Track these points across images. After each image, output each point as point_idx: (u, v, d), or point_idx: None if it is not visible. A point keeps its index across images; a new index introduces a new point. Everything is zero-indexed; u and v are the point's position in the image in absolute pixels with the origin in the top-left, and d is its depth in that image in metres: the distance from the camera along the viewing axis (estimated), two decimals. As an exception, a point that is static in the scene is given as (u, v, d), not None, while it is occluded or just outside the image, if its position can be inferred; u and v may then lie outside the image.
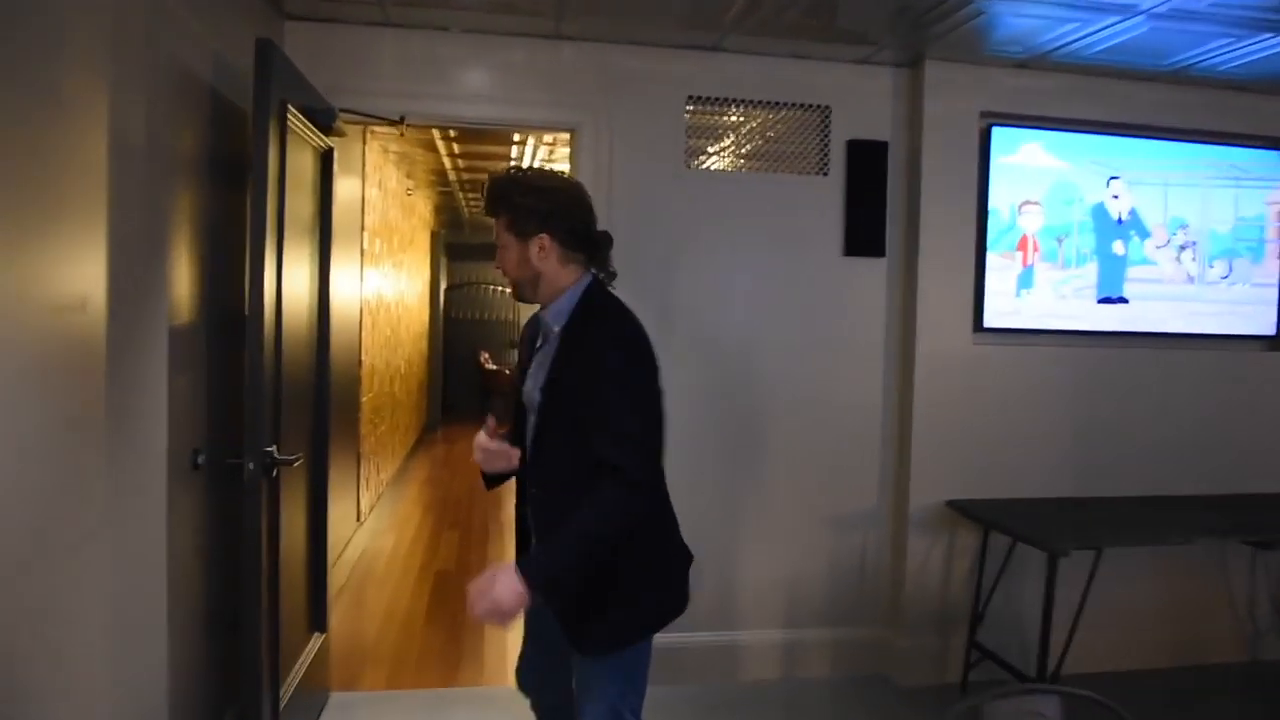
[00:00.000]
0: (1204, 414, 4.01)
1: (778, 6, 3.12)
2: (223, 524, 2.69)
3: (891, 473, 3.86)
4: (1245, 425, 4.05)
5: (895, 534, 3.86)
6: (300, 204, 2.88)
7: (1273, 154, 4.09)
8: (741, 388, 3.74)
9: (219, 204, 2.67)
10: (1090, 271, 3.93)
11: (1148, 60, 3.62)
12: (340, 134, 3.18)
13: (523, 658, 2.21)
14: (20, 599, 1.65)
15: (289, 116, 2.63)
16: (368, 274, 5.84)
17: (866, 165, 3.75)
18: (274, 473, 2.55)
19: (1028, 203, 3.84)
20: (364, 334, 5.76)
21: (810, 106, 3.76)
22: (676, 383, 3.70)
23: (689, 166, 3.69)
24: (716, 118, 3.74)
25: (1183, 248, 4.04)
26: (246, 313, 2.43)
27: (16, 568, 1.74)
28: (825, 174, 3.77)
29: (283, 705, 2.72)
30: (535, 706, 2.25)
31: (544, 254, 1.90)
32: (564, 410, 1.90)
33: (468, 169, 6.98)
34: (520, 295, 2.00)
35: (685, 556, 2.07)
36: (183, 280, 2.40)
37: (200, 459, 2.48)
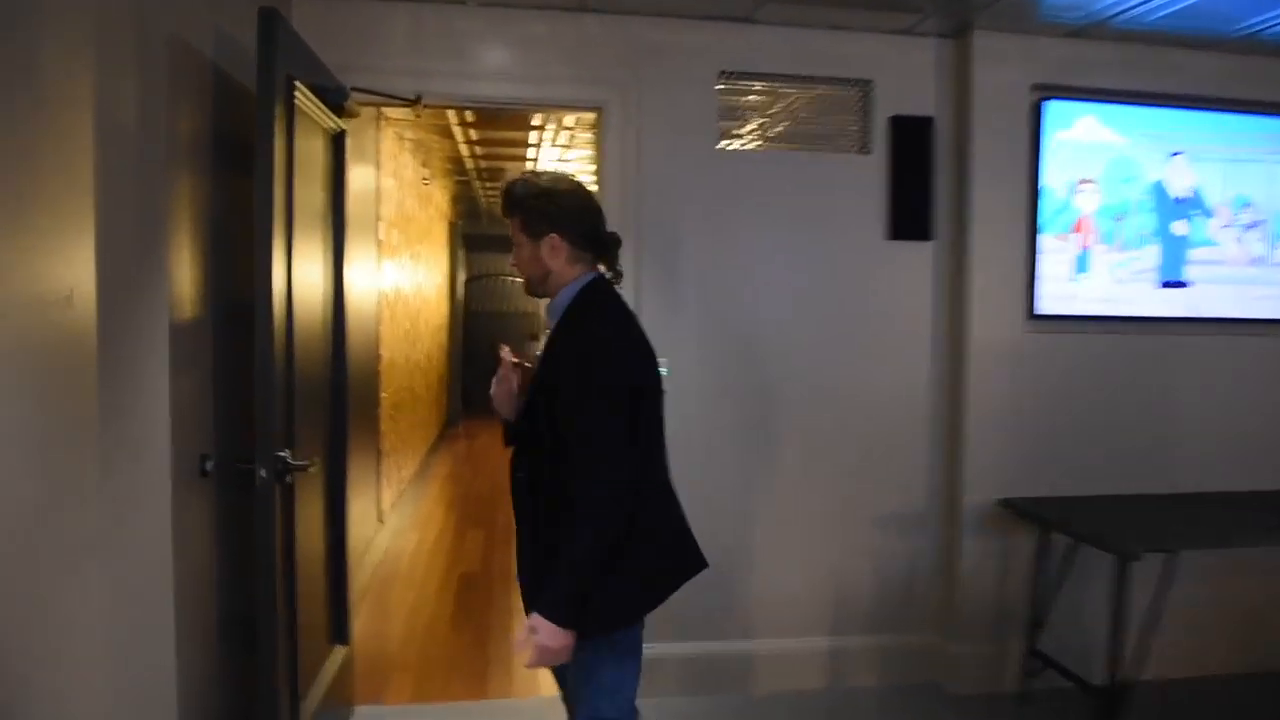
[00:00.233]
0: (1274, 404, 3.76)
1: (819, -29, 2.91)
2: (235, 533, 2.51)
3: (941, 470, 3.64)
4: (1318, 415, 3.80)
5: (946, 535, 3.64)
6: (311, 189, 2.70)
7: (1346, 125, 3.83)
8: (779, 381, 3.53)
9: (226, 191, 2.49)
10: (1150, 254, 3.69)
11: (1214, 26, 3.38)
12: (353, 114, 2.99)
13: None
14: (11, 623, 1.48)
15: (297, 94, 2.44)
16: (385, 266, 5.66)
17: (911, 143, 3.53)
18: (288, 479, 2.36)
19: (1083, 181, 3.60)
20: (382, 328, 5.59)
21: (850, 81, 3.53)
22: (709, 377, 3.54)
23: (721, 146, 3.48)
24: (750, 94, 3.52)
25: (1248, 227, 3.79)
26: (255, 307, 2.24)
27: (3, 590, 1.56)
28: (867, 152, 3.54)
29: (302, 725, 2.55)
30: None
31: (554, 252, 2.00)
32: (543, 405, 1.97)
33: (485, 156, 6.78)
34: (531, 290, 2.10)
35: (680, 546, 2.04)
36: (185, 273, 2.22)
37: (208, 465, 2.30)
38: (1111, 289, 3.66)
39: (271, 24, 2.22)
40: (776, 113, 3.59)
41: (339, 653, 3.04)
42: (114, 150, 1.81)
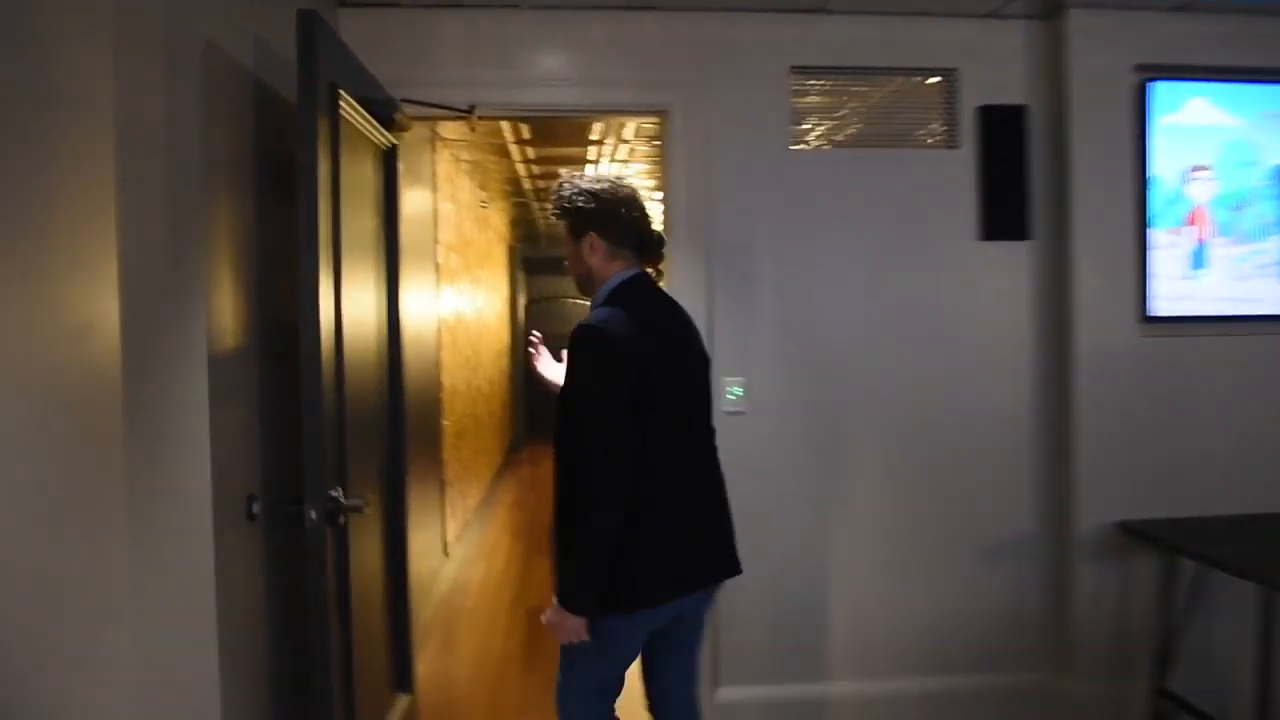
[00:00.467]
0: None
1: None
2: (288, 578, 2.33)
3: (1049, 491, 3.32)
4: None
5: (1057, 562, 3.31)
6: (361, 209, 2.53)
7: None
8: (864, 399, 3.26)
9: (271, 212, 2.33)
10: (1275, 245, 3.33)
11: (1342, -11, 3.04)
12: (404, 128, 2.82)
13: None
14: (40, 691, 1.31)
15: (342, 106, 2.28)
16: (444, 291, 5.53)
17: (1003, 134, 3.24)
18: (340, 520, 2.18)
19: (1197, 168, 3.27)
20: (443, 354, 5.45)
21: (932, 70, 3.27)
22: (787, 395, 3.28)
23: (794, 147, 3.23)
24: (824, 90, 3.27)
25: (1385, 212, 3.40)
26: (300, 334, 2.07)
27: (29, 660, 1.40)
28: (954, 146, 3.26)
29: (361, 785, 2.35)
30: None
31: (593, 251, 2.07)
32: (562, 401, 2.07)
33: (542, 175, 6.63)
34: (581, 289, 2.16)
35: (679, 542, 2.03)
36: (226, 300, 2.05)
37: (255, 507, 2.13)
38: (1232, 286, 3.31)
39: (311, 28, 2.05)
40: (853, 109, 3.34)
41: (402, 701, 2.84)
42: (139, 166, 1.64)
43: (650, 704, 2.28)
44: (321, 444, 2.06)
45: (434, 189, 5.27)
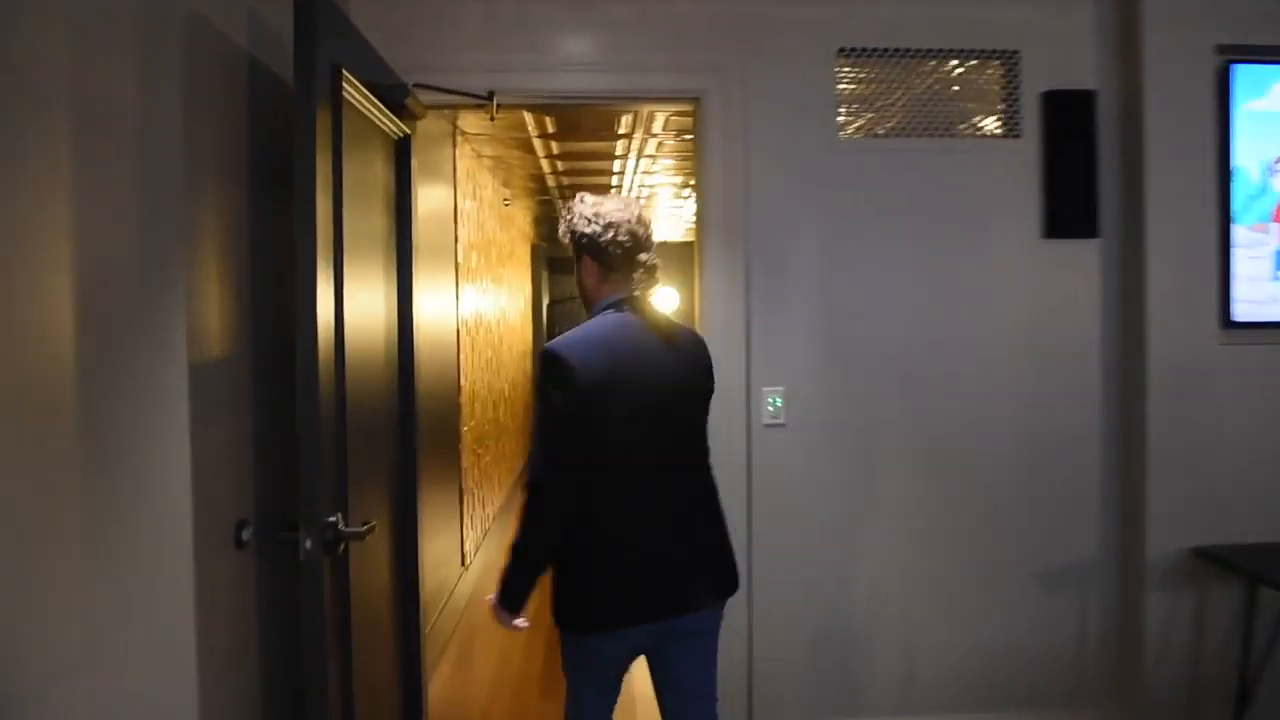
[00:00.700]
0: None
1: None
2: (286, 609, 2.12)
3: (1117, 513, 3.04)
4: None
5: (1124, 590, 3.03)
6: (370, 203, 2.31)
7: None
8: (915, 412, 3.00)
9: (271, 208, 2.11)
10: (1370, 244, 3.03)
11: None
12: (418, 116, 2.60)
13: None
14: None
15: (347, 89, 2.06)
16: (464, 291, 5.31)
17: (1070, 122, 2.97)
18: (341, 548, 1.95)
19: (1284, 159, 2.98)
20: (463, 357, 5.23)
21: (992, 53, 3.00)
22: (830, 409, 3.00)
23: (840, 135, 2.98)
24: (874, 74, 3.01)
25: None
26: (296, 342, 1.84)
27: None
28: (1016, 135, 3.00)
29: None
30: None
31: (587, 273, 2.15)
32: None
33: (567, 173, 6.40)
34: (585, 307, 2.21)
35: (631, 572, 1.99)
36: (212, 303, 1.84)
37: (246, 533, 1.91)
38: (1323, 289, 3.01)
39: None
40: (905, 94, 3.07)
41: (412, 737, 2.62)
42: (103, 152, 1.43)
43: None
44: (319, 465, 1.84)
45: (454, 185, 5.05)
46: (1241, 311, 2.95)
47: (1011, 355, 3.01)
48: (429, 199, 4.21)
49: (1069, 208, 2.97)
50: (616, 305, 2.09)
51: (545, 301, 11.24)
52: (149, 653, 1.55)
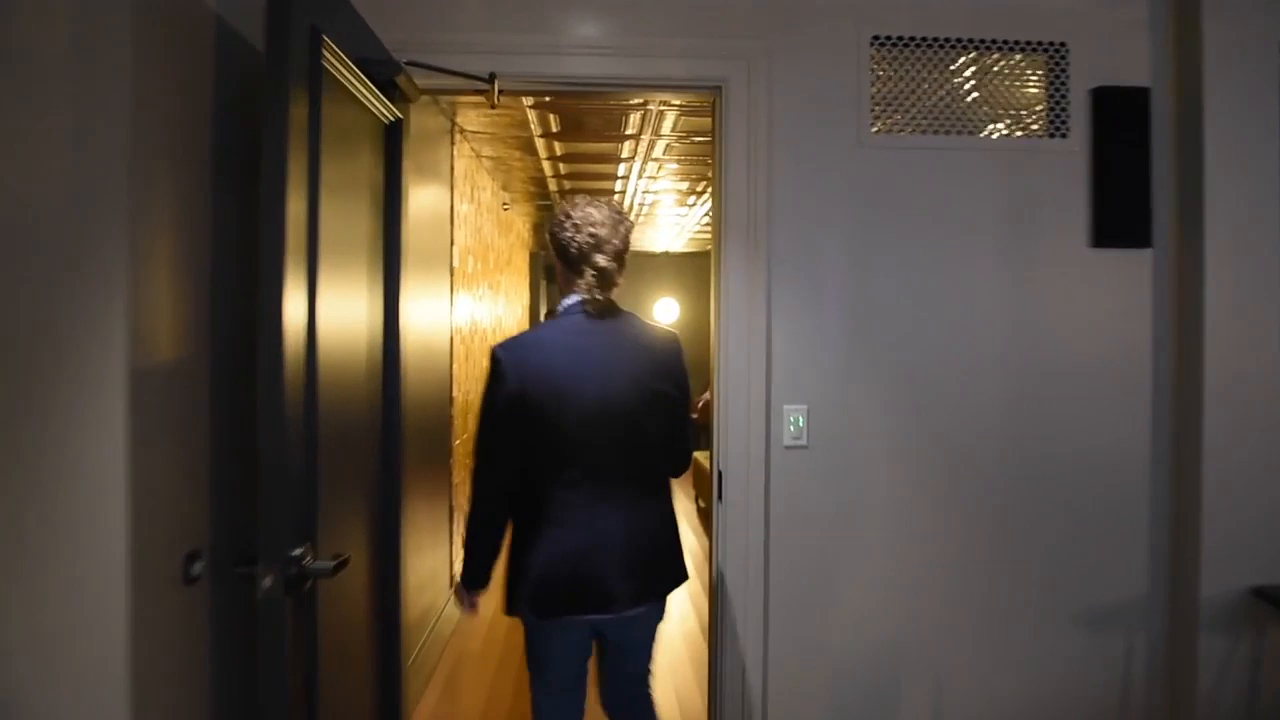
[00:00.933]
0: None
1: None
2: (247, 653, 1.85)
3: (1168, 548, 2.78)
4: None
5: (1176, 633, 2.77)
6: (353, 192, 2.05)
7: None
8: (947, 433, 2.74)
9: (239, 194, 1.86)
10: None
11: None
12: (410, 98, 2.35)
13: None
14: None
15: (327, 58, 1.81)
16: (459, 298, 5.06)
17: (1120, 121, 2.72)
18: (307, 585, 1.69)
19: (1353, 164, 2.74)
20: (455, 366, 4.97)
21: (1038, 45, 2.76)
22: (856, 431, 2.73)
23: (873, 131, 2.73)
24: (910, 65, 2.76)
25: None
26: (258, 350, 1.59)
27: None
28: (1062, 135, 2.75)
29: None
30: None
31: (561, 276, 2.25)
32: None
33: (570, 176, 6.16)
34: None
35: (553, 566, 2.09)
36: (163, 300, 1.58)
37: (197, 567, 1.65)
38: (1391, 307, 2.77)
39: (280, -54, 1.58)
40: (942, 88, 2.82)
41: (391, 793, 2.34)
42: (16, 104, 1.17)
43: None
44: (282, 490, 1.58)
45: (451, 186, 4.81)
46: (1307, 330, 2.70)
47: (1054, 373, 2.76)
48: (423, 199, 3.96)
49: (1119, 214, 2.72)
50: (578, 306, 2.17)
51: (543, 311, 10.99)
52: (70, 706, 1.29)
